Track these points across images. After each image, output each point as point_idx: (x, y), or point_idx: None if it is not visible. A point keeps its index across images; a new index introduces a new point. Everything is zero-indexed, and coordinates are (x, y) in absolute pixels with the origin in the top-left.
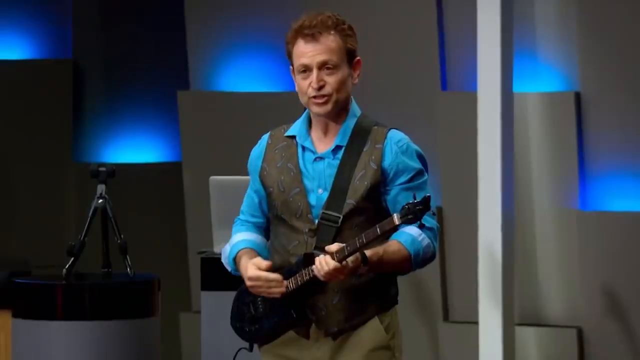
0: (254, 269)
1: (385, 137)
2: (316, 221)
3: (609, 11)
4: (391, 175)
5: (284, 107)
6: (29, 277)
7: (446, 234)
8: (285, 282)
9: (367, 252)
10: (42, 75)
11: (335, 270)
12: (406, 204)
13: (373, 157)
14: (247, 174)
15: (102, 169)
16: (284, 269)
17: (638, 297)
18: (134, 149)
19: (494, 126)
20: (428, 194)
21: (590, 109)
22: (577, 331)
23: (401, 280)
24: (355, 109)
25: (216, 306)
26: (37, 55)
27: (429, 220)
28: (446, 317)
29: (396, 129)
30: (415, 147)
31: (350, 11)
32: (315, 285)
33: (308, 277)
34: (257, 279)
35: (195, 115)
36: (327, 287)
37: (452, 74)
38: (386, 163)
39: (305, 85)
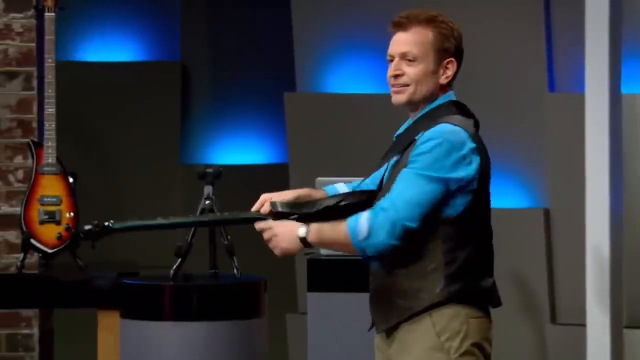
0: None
1: (429, 128)
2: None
3: None
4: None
5: (390, 108)
6: (136, 278)
7: (554, 236)
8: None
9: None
10: (151, 77)
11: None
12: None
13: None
14: (353, 175)
15: (209, 170)
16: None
17: None
18: (241, 150)
19: (602, 128)
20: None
21: None
22: None
23: (508, 282)
24: (436, 104)
25: (322, 307)
26: (146, 57)
27: (380, 204)
28: (553, 319)
29: (454, 124)
30: (445, 138)
31: (456, 12)
32: (374, 284)
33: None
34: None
35: (301, 117)
36: (381, 285)
37: (560, 75)
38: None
39: (388, 74)
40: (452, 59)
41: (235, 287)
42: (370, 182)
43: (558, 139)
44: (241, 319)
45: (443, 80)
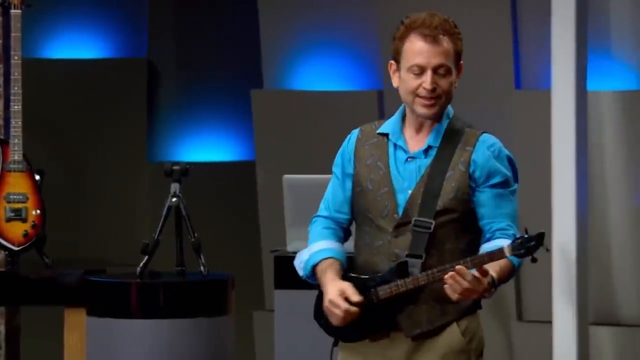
0: (338, 295)
1: (477, 140)
2: (402, 221)
3: None
4: (482, 178)
5: (357, 105)
6: (103, 275)
7: (521, 233)
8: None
9: (493, 274)
10: (117, 74)
11: (471, 284)
12: (518, 238)
13: (462, 159)
14: (320, 172)
15: (176, 167)
16: (376, 277)
17: None
18: (208, 147)
19: (568, 124)
20: (543, 231)
21: None
22: None
23: None
24: (449, 110)
25: (290, 304)
26: (113, 54)
27: (514, 229)
28: (520, 317)
29: (489, 133)
30: (508, 152)
31: (423, 10)
32: (408, 295)
33: (406, 288)
34: (337, 307)
35: (268, 114)
36: (415, 292)
37: (526, 72)
38: (476, 165)
39: (415, 85)
40: (462, 62)
41: (202, 284)
42: (337, 208)
43: (524, 135)
44: (208, 316)
45: (456, 84)
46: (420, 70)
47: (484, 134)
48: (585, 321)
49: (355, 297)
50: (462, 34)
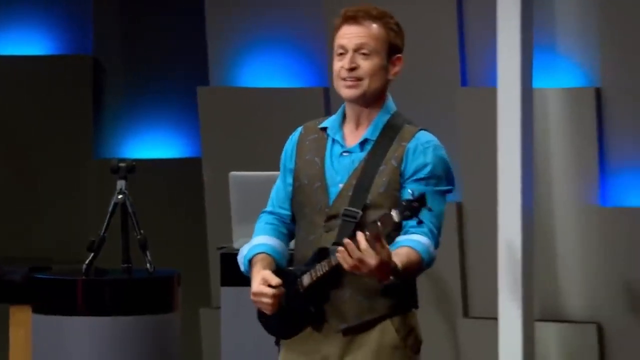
0: (260, 284)
1: (413, 137)
2: (331, 214)
3: (630, 6)
4: (409, 172)
5: (304, 102)
6: (49, 272)
7: (466, 230)
8: (304, 279)
9: (398, 263)
10: (63, 71)
11: (364, 253)
12: (402, 201)
13: (396, 155)
14: (266, 169)
15: (122, 164)
16: (301, 267)
17: None
18: (154, 144)
19: (514, 122)
20: (424, 192)
21: (610, 105)
22: (597, 327)
23: (420, 276)
24: (390, 105)
25: (236, 302)
26: (58, 51)
27: (429, 226)
28: (466, 313)
29: (428, 130)
30: (442, 152)
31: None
32: (330, 281)
33: (322, 271)
34: (262, 294)
35: (215, 111)
36: (341, 283)
37: (472, 69)
38: (407, 161)
39: (338, 67)
40: (400, 55)
41: (148, 281)
42: (280, 204)
43: (470, 133)
44: (154, 313)
45: (391, 76)
46: (344, 51)
47: (422, 131)
48: (531, 317)
49: (275, 280)
50: (407, 31)
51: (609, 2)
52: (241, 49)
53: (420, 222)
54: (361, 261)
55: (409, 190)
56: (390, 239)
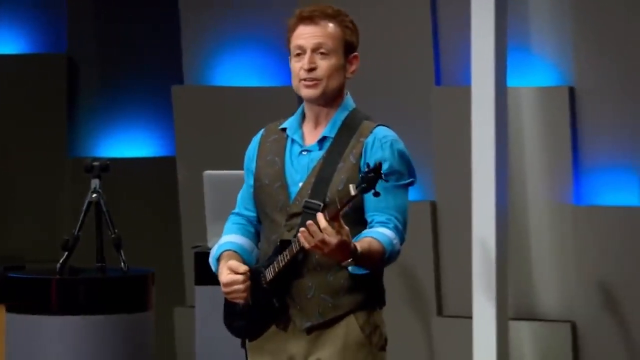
0: (227, 274)
1: (371, 132)
2: (292, 212)
3: (604, 5)
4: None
5: (278, 101)
6: (22, 271)
7: (440, 229)
8: (267, 273)
9: (358, 247)
10: (37, 70)
11: (325, 231)
12: (360, 173)
13: (354, 151)
14: (240, 168)
15: (96, 163)
16: (261, 264)
17: (632, 291)
18: (129, 143)
19: (488, 121)
20: (380, 162)
21: (584, 104)
22: (571, 326)
23: (394, 275)
24: (349, 102)
25: (210, 301)
26: (32, 49)
27: (394, 222)
28: (440, 312)
29: (387, 125)
30: (401, 146)
31: (343, 5)
32: (294, 278)
33: (284, 261)
34: (232, 283)
35: (189, 110)
36: (305, 281)
37: (446, 68)
38: (365, 157)
39: (297, 68)
40: (357, 53)
41: (123, 280)
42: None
43: (444, 132)
44: (128, 312)
45: (349, 75)
46: (302, 51)
47: (380, 126)
48: (505, 316)
49: (242, 268)
50: (382, 31)
51: (583, 1)
52: (215, 48)
53: (386, 219)
54: (322, 241)
55: (366, 162)
56: (356, 233)
